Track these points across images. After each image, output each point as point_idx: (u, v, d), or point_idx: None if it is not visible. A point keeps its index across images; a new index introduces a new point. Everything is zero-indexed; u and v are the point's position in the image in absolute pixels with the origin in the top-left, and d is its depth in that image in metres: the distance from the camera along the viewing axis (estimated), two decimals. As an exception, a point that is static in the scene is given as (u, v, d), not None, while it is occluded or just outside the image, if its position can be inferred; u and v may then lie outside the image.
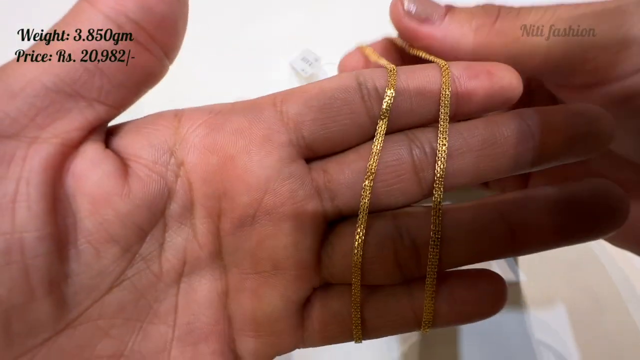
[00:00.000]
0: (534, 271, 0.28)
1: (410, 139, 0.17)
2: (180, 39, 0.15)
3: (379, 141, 0.17)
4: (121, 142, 0.16)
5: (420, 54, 0.19)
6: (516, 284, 0.28)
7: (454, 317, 0.18)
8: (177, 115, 0.17)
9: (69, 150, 0.15)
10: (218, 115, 0.17)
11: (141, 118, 0.17)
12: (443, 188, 0.17)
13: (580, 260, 0.29)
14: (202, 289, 0.17)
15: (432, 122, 0.17)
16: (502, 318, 0.27)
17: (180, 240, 0.16)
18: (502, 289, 0.17)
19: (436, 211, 0.17)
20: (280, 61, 0.35)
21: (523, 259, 0.29)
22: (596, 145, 0.16)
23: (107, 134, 0.16)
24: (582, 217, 0.16)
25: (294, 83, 0.35)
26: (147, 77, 0.15)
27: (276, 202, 0.17)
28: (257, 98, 0.17)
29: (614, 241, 0.22)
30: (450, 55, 0.18)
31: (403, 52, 0.20)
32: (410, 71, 0.17)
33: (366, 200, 0.17)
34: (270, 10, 0.38)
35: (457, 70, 0.17)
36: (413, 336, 0.28)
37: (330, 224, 0.18)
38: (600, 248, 0.29)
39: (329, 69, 0.34)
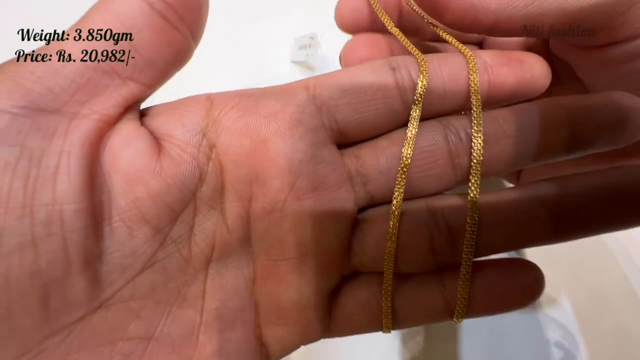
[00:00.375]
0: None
1: (444, 125, 0.17)
2: (204, 19, 0.16)
3: (414, 126, 0.17)
4: (154, 122, 0.16)
5: (442, 34, 0.19)
6: None
7: (488, 307, 0.17)
8: (210, 98, 0.17)
9: (106, 127, 0.15)
10: (250, 98, 0.17)
11: (174, 101, 0.17)
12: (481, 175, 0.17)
13: (583, 259, 0.29)
14: (230, 275, 0.17)
15: (464, 109, 0.17)
16: (504, 316, 0.26)
17: (209, 225, 0.16)
18: (539, 277, 0.17)
19: (473, 196, 0.17)
20: (280, 60, 0.35)
21: (526, 258, 0.29)
22: (632, 133, 0.16)
23: (141, 115, 0.16)
24: (623, 203, 0.16)
25: (301, 76, 0.35)
26: (176, 56, 0.15)
27: (308, 186, 0.16)
28: (289, 83, 0.17)
29: None
30: (469, 16, 0.17)
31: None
32: (443, 58, 0.17)
33: (402, 185, 0.17)
34: (267, 10, 0.38)
35: (489, 57, 0.17)
36: (415, 333, 0.28)
37: (361, 210, 0.18)
38: (603, 246, 0.29)
39: (327, 42, 0.34)
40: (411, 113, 0.17)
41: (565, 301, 0.27)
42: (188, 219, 0.16)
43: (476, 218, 0.16)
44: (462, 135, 0.17)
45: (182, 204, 0.15)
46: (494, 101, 0.17)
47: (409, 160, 0.17)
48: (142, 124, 0.16)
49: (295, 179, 0.16)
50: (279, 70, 0.35)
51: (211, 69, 0.35)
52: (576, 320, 0.27)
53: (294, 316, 0.17)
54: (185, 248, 0.16)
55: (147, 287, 0.15)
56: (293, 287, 0.17)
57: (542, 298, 0.27)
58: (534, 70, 0.17)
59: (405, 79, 0.17)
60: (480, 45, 0.24)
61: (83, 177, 0.14)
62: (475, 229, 0.16)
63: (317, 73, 0.33)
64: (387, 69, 0.17)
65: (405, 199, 0.17)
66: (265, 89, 0.17)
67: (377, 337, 0.23)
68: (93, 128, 0.14)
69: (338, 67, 0.20)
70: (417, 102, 0.17)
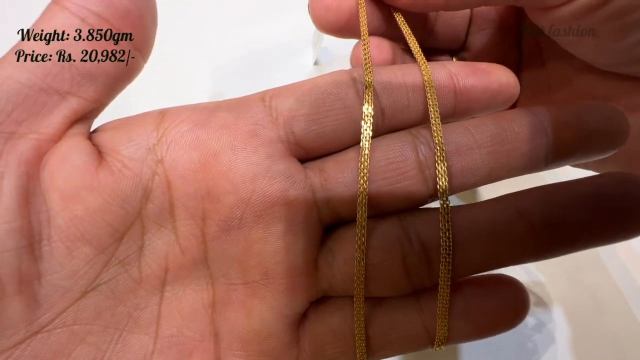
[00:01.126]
0: (535, 272, 0.28)
1: (414, 135, 0.16)
2: (149, 34, 0.15)
3: (368, 124, 0.16)
4: (101, 137, 0.15)
5: (409, 39, 0.18)
6: None
7: (471, 332, 0.16)
8: (162, 112, 0.16)
9: (46, 145, 0.14)
10: (203, 111, 0.16)
11: (129, 116, 0.16)
12: (452, 187, 0.16)
13: (581, 260, 0.29)
14: (187, 300, 0.16)
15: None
16: None
17: (160, 244, 0.15)
18: (523, 296, 0.16)
19: (445, 209, 0.15)
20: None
21: None
22: (611, 142, 0.16)
23: (96, 131, 0.16)
24: (612, 214, 0.15)
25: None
26: (118, 69, 0.15)
27: (265, 202, 0.16)
28: (247, 95, 0.17)
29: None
30: None
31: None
32: (407, 68, 0.17)
33: (364, 196, 0.16)
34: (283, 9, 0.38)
35: (455, 67, 0.17)
36: None
37: (330, 228, 0.17)
38: (601, 247, 0.28)
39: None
40: (363, 107, 0.16)
41: (562, 303, 0.27)
42: (135, 239, 0.15)
43: (449, 234, 0.15)
44: (433, 145, 0.16)
45: (126, 223, 0.15)
46: (462, 112, 0.17)
47: (367, 169, 0.16)
48: (93, 139, 0.15)
49: (250, 195, 0.16)
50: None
51: (230, 74, 0.36)
52: (574, 323, 0.26)
53: (257, 346, 0.16)
54: (134, 269, 0.15)
55: (92, 311, 0.15)
56: (254, 313, 0.16)
57: (541, 300, 0.27)
58: (501, 80, 0.17)
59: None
60: (462, 49, 0.24)
61: (18, 197, 0.13)
62: (451, 244, 0.15)
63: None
64: (347, 79, 0.16)
65: (375, 216, 0.16)
66: (221, 102, 0.17)
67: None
68: (31, 147, 0.14)
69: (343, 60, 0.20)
70: (366, 91, 0.16)
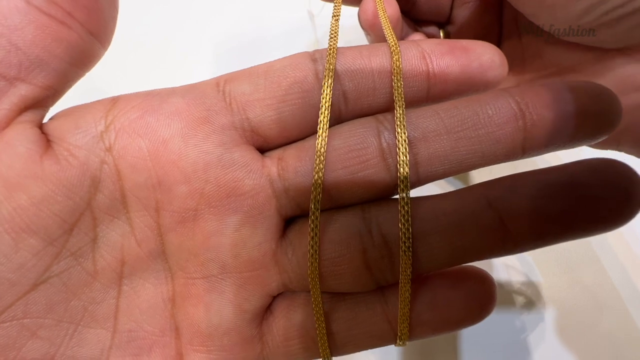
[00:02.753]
0: (534, 271, 0.28)
1: (379, 121, 0.15)
2: (107, 19, 0.15)
3: (326, 106, 0.15)
4: (51, 125, 0.15)
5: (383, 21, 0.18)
6: (516, 285, 0.27)
7: (437, 325, 0.15)
8: (114, 99, 0.15)
9: None
10: (156, 97, 0.15)
11: (83, 103, 0.16)
12: (419, 176, 0.15)
13: (580, 260, 0.28)
14: (146, 294, 0.16)
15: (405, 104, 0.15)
16: (502, 318, 0.26)
17: (115, 236, 0.15)
18: (490, 288, 0.15)
19: (404, 199, 0.14)
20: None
21: (522, 260, 0.28)
22: (600, 126, 0.14)
23: (49, 120, 0.15)
24: (587, 204, 0.14)
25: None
26: (71, 55, 0.14)
27: (220, 193, 0.15)
28: (202, 81, 0.16)
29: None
30: None
31: None
32: (374, 48, 0.16)
33: (318, 185, 0.15)
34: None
35: (429, 46, 0.15)
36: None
37: (292, 221, 0.16)
38: (600, 247, 0.28)
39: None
40: (322, 88, 0.15)
41: (561, 303, 0.27)
42: (87, 230, 0.15)
43: (408, 226, 0.14)
44: (393, 127, 0.15)
45: (75, 213, 0.14)
46: (437, 95, 0.16)
47: (323, 156, 0.15)
48: (42, 128, 0.15)
49: (203, 184, 0.15)
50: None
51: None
52: (573, 323, 0.26)
53: (217, 341, 0.16)
54: (88, 261, 0.15)
55: (43, 304, 0.14)
56: (212, 308, 0.16)
57: (540, 300, 0.27)
58: (482, 58, 0.15)
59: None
60: (447, 22, 0.24)
61: None
62: (410, 237, 0.14)
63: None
64: (307, 61, 0.15)
65: (337, 207, 0.16)
66: (177, 87, 0.16)
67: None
68: None
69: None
70: (326, 73, 0.15)
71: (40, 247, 0.14)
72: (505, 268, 0.27)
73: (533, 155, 0.15)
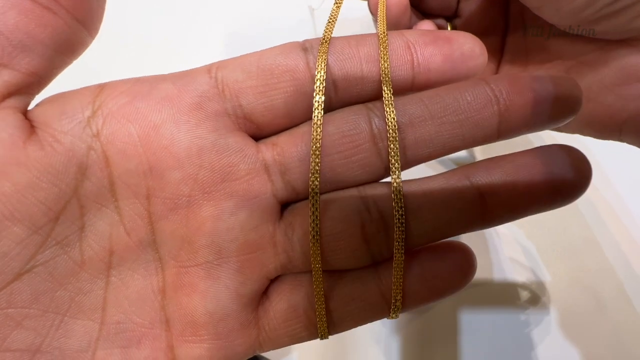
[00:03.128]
0: (536, 271, 0.28)
1: (369, 108, 0.16)
2: (94, 6, 0.14)
3: (320, 94, 0.15)
4: (36, 111, 0.15)
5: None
6: (518, 284, 0.28)
7: (425, 295, 0.16)
8: (102, 85, 0.15)
9: None
10: (145, 83, 0.15)
11: (69, 90, 0.15)
12: (407, 159, 0.16)
13: (582, 260, 0.29)
14: (135, 285, 0.15)
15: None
16: (503, 317, 0.27)
17: (103, 225, 0.15)
18: (471, 258, 0.16)
19: (396, 182, 0.16)
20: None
21: (525, 259, 0.28)
22: (564, 109, 0.16)
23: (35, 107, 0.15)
24: (547, 180, 0.15)
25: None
26: (56, 41, 0.14)
27: (214, 178, 0.15)
28: (193, 68, 0.16)
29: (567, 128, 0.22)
30: None
31: None
32: (361, 38, 0.16)
33: (317, 168, 0.15)
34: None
35: (413, 36, 0.16)
36: (412, 335, 0.27)
37: (287, 205, 0.17)
38: (603, 247, 0.29)
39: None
40: (315, 93, 0.15)
41: (563, 302, 0.27)
42: (73, 219, 0.14)
43: (401, 203, 0.15)
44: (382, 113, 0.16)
45: (60, 201, 0.14)
46: (422, 83, 0.16)
47: (319, 144, 0.15)
48: (27, 115, 0.15)
49: (197, 170, 0.15)
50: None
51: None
52: (575, 322, 0.26)
53: (212, 330, 0.16)
54: (74, 251, 0.14)
55: (28, 294, 0.14)
56: (208, 295, 0.15)
57: (542, 299, 0.27)
58: (463, 48, 0.16)
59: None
60: (454, 16, 0.25)
61: None
62: (403, 213, 0.15)
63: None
64: (297, 50, 0.16)
65: (332, 190, 0.16)
66: (165, 74, 0.16)
67: (375, 339, 0.23)
68: None
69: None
70: (318, 80, 0.15)
71: (25, 235, 0.13)
72: (505, 268, 0.27)
73: (507, 138, 0.16)
